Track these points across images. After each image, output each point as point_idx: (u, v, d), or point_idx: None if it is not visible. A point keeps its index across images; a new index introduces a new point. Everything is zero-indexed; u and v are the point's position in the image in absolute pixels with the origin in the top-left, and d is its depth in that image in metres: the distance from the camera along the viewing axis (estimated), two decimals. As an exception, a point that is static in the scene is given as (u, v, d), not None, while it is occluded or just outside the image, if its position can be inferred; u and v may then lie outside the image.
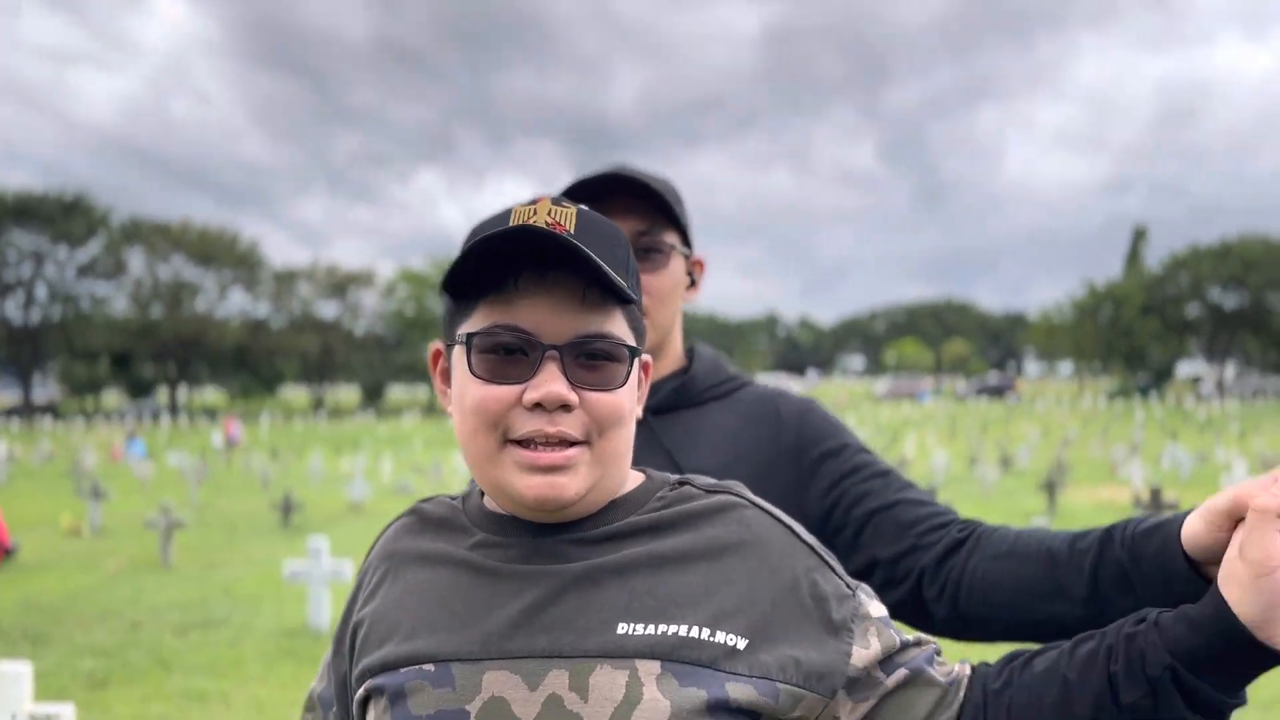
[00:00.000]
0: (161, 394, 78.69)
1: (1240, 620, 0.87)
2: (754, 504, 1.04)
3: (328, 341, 79.72)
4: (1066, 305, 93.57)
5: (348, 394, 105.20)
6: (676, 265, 1.51)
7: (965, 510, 1.43)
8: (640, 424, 1.50)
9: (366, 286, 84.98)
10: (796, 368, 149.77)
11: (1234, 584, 0.88)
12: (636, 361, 1.00)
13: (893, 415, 54.81)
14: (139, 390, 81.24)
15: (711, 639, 0.92)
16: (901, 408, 64.07)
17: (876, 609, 1.03)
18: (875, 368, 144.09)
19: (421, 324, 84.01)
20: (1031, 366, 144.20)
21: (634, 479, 1.08)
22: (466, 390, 0.96)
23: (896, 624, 1.06)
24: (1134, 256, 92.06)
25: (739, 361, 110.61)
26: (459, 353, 0.97)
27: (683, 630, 0.91)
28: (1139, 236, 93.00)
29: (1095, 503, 17.02)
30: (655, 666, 0.89)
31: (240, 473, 27.87)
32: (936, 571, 1.34)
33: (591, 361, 0.95)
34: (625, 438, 0.99)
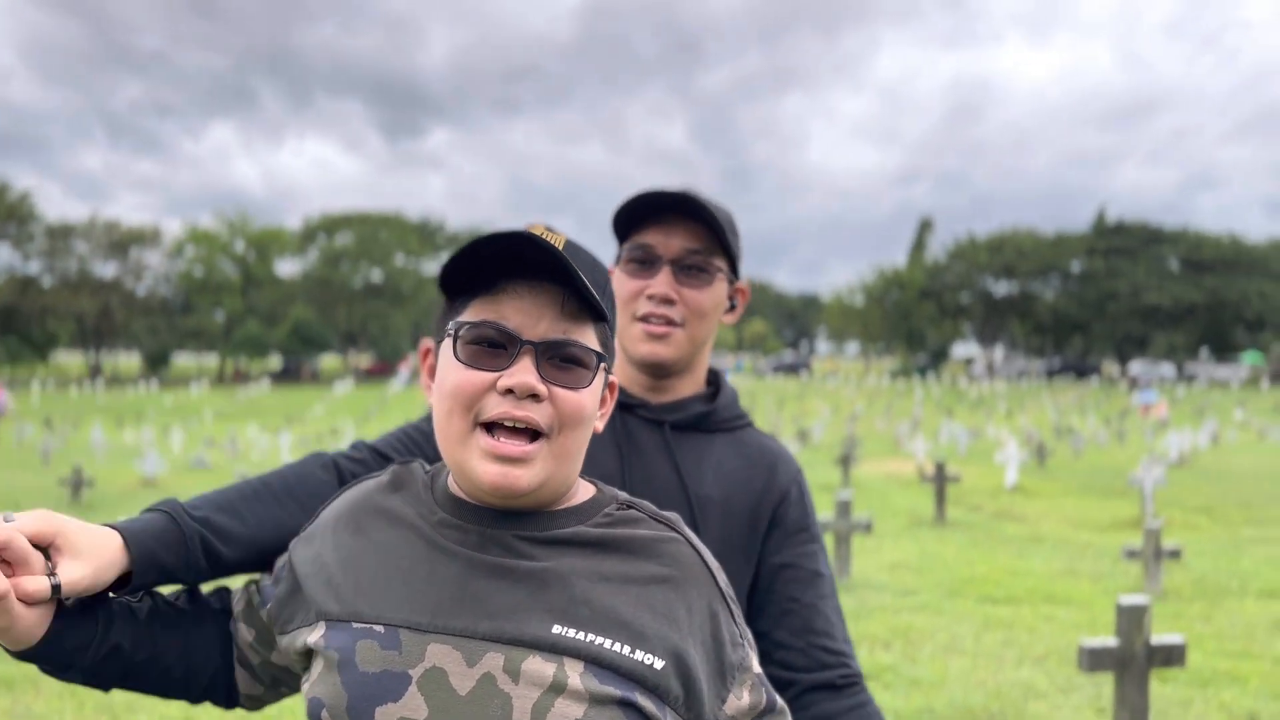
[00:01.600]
0: (-90, 357, 71.27)
1: None
2: (688, 541, 1.16)
3: (107, 303, 74.27)
4: (857, 288, 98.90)
5: (128, 361, 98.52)
6: (719, 287, 1.63)
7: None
8: (657, 430, 1.63)
9: (151, 245, 79.56)
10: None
11: None
12: (603, 370, 1.12)
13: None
14: (-116, 352, 73.18)
15: (631, 655, 1.04)
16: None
17: (757, 665, 1.17)
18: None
19: (212, 286, 79.42)
20: (823, 345, 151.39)
21: (585, 489, 1.19)
22: (448, 375, 1.08)
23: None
24: (919, 245, 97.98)
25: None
26: (447, 344, 1.09)
27: (608, 644, 1.04)
28: (925, 227, 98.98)
29: (885, 474, 18.30)
30: (580, 665, 1.02)
31: (12, 444, 25.79)
32: (803, 697, 1.50)
33: (563, 363, 1.07)
34: (581, 439, 1.10)
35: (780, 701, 1.20)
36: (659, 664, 1.05)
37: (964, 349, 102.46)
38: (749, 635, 1.18)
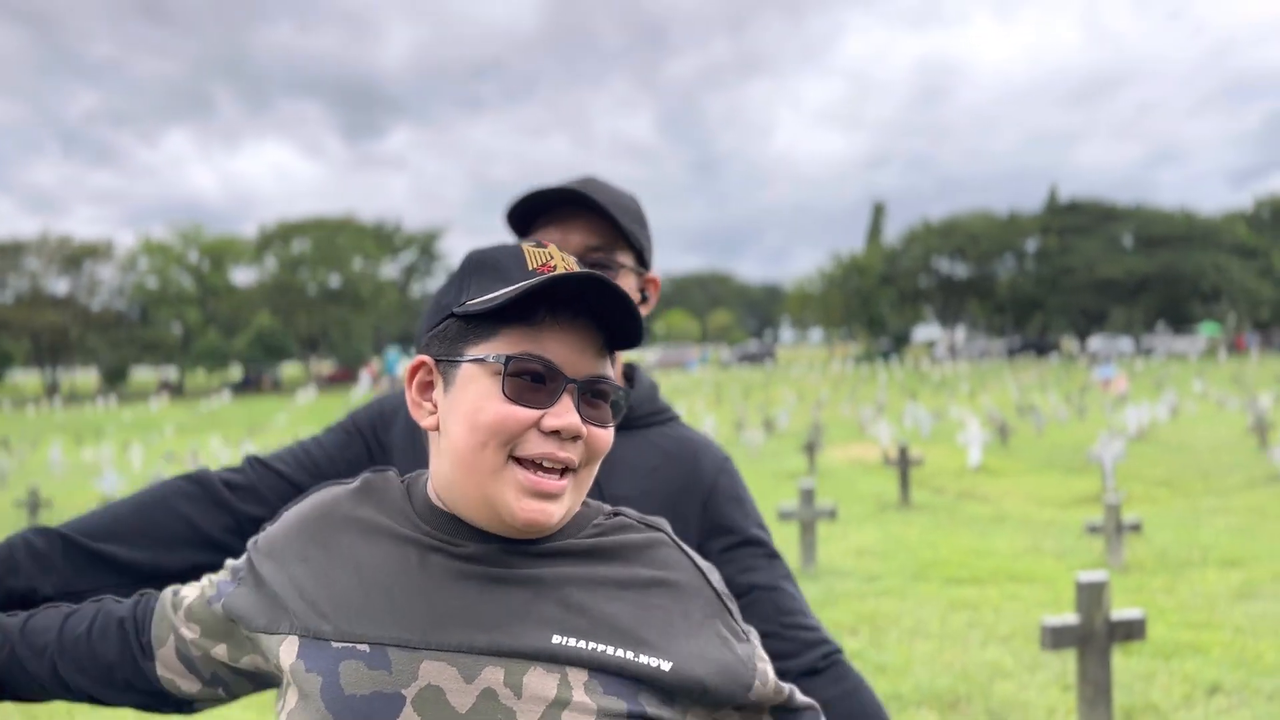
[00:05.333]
0: None
1: None
2: (677, 545, 1.16)
3: (61, 320, 73.06)
4: (816, 276, 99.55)
5: (85, 377, 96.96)
6: (626, 282, 1.56)
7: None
8: None
9: (104, 259, 78.41)
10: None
11: None
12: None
13: (664, 383, 56.31)
14: None
15: (636, 660, 1.02)
16: (672, 376, 66.10)
17: (764, 654, 1.17)
18: (648, 338, 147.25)
19: (169, 298, 78.47)
20: (786, 334, 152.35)
21: None
22: (485, 406, 1.03)
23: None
24: (874, 230, 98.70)
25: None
26: (475, 370, 1.04)
27: (610, 650, 1.02)
28: (879, 211, 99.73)
29: (849, 460, 18.38)
30: (584, 675, 1.00)
31: (-34, 468, 25.24)
32: (797, 683, 1.42)
33: (595, 399, 1.06)
34: (596, 470, 1.11)
35: (791, 693, 1.19)
36: (665, 665, 1.04)
37: (926, 332, 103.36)
38: (752, 631, 1.17)
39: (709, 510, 1.55)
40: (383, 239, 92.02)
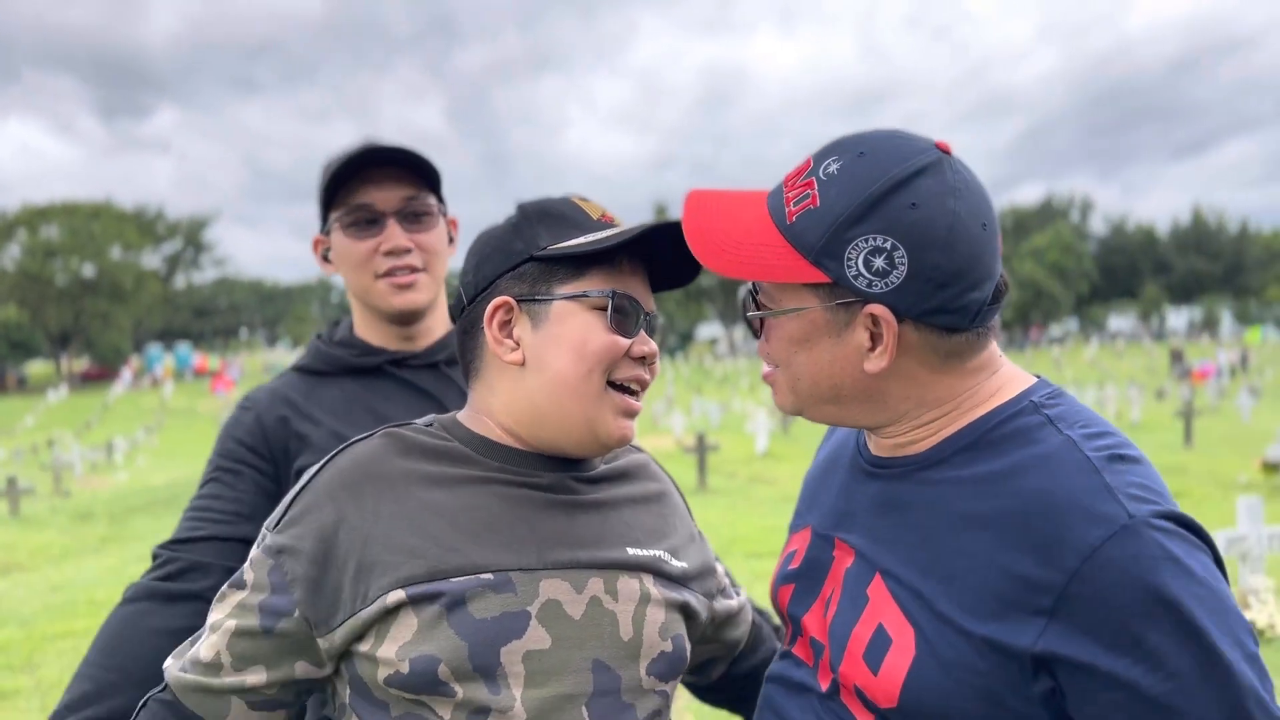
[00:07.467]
0: None
1: None
2: (655, 462, 1.40)
3: None
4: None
5: None
6: (442, 226, 1.70)
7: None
8: (433, 371, 1.70)
9: None
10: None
11: None
12: None
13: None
14: None
15: (675, 563, 1.24)
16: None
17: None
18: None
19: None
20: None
21: None
22: (591, 336, 1.15)
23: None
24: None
25: (288, 331, 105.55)
26: (572, 306, 1.16)
27: (659, 553, 1.22)
28: (659, 214, 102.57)
29: (648, 449, 18.85)
30: (650, 577, 1.19)
31: None
32: None
33: (651, 333, 1.22)
34: None
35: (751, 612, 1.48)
36: (689, 566, 1.26)
37: (708, 330, 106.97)
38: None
39: None
40: (144, 226, 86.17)
